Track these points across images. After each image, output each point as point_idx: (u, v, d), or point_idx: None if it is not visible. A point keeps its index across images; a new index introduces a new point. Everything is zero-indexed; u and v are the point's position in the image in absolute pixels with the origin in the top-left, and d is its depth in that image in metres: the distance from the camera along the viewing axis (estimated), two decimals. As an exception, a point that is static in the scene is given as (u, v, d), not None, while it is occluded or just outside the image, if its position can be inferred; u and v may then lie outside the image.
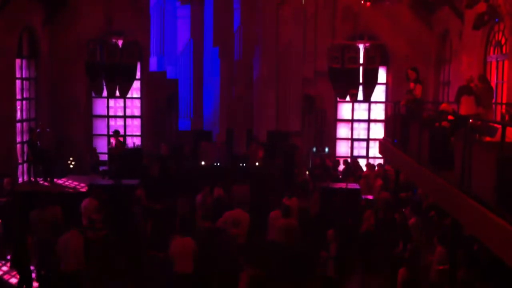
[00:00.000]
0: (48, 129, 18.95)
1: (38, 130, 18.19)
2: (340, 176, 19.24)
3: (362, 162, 20.58)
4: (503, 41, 14.52)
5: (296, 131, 20.24)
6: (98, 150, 20.96)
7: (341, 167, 20.17)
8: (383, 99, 21.39)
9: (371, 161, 20.79)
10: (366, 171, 19.26)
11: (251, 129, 19.78)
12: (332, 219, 14.63)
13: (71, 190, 16.43)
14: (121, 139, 19.59)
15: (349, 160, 20.84)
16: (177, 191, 16.58)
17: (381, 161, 20.03)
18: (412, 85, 13.18)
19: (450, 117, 10.44)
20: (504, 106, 13.27)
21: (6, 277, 12.99)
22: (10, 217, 14.56)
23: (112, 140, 19.74)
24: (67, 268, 10.24)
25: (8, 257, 13.53)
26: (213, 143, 19.41)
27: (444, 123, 9.96)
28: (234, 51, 19.72)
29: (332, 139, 21.55)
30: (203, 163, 18.52)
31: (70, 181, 18.23)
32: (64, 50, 20.68)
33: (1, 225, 14.23)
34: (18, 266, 11.75)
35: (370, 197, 16.50)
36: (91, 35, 19.86)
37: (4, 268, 13.44)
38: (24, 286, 11.71)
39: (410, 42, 20.57)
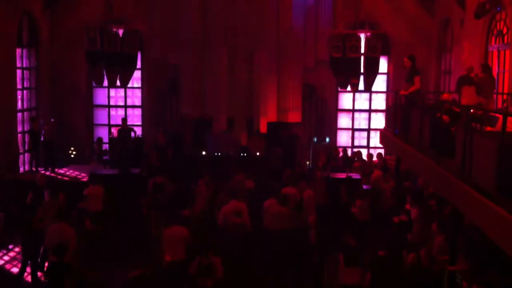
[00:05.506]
0: (52, 119, 18.95)
1: (41, 120, 18.21)
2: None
3: (364, 152, 20.59)
4: (504, 31, 14.47)
5: (296, 121, 20.21)
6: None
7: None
8: (384, 89, 21.35)
9: (371, 151, 20.79)
10: (360, 161, 19.35)
11: (252, 118, 19.76)
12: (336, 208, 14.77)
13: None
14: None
15: (348, 150, 20.91)
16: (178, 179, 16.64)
17: (381, 151, 20.01)
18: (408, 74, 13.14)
19: (453, 108, 10.42)
20: (505, 96, 13.26)
21: (7, 266, 13.05)
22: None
23: (113, 130, 19.80)
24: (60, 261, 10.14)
25: (10, 246, 13.65)
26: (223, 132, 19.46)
27: (444, 117, 9.93)
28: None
29: (333, 129, 21.54)
30: (204, 152, 18.55)
31: (71, 171, 18.31)
32: (65, 37, 20.57)
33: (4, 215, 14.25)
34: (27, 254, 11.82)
35: (365, 186, 16.59)
36: (91, 22, 19.80)
37: (6, 258, 13.49)
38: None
39: (411, 30, 20.47)
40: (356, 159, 19.68)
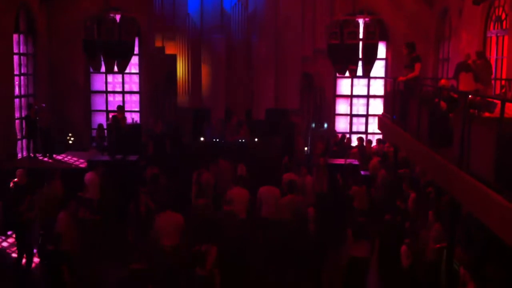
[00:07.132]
0: (43, 104, 18.80)
1: (36, 106, 18.14)
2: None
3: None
4: (503, 16, 14.45)
5: (295, 109, 20.14)
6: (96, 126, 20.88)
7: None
8: (383, 75, 21.31)
9: (370, 137, 20.80)
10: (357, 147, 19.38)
11: (251, 108, 19.68)
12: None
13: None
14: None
15: (346, 135, 20.93)
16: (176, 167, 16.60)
17: (379, 136, 20.01)
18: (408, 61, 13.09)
19: (451, 93, 10.40)
20: (503, 82, 13.25)
21: (7, 252, 13.09)
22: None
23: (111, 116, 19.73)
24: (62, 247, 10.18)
25: (9, 232, 13.66)
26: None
27: (442, 104, 9.90)
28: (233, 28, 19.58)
29: (331, 115, 21.53)
30: (202, 139, 18.55)
31: (69, 157, 18.28)
32: (62, 27, 20.52)
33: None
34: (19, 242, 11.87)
35: (363, 172, 16.60)
36: (89, 12, 19.76)
37: (4, 244, 13.52)
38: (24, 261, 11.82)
39: (409, 19, 20.40)
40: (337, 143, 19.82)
